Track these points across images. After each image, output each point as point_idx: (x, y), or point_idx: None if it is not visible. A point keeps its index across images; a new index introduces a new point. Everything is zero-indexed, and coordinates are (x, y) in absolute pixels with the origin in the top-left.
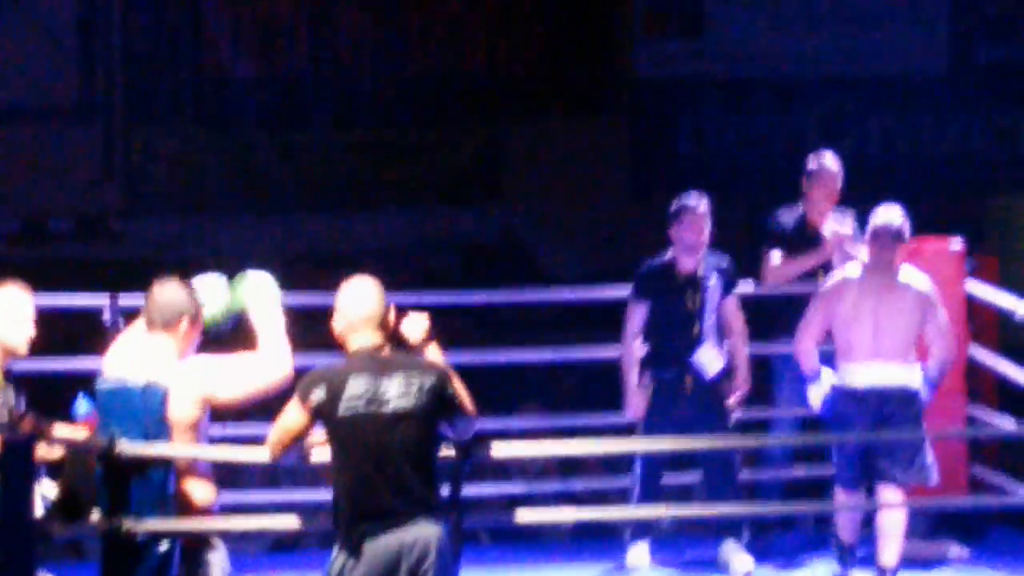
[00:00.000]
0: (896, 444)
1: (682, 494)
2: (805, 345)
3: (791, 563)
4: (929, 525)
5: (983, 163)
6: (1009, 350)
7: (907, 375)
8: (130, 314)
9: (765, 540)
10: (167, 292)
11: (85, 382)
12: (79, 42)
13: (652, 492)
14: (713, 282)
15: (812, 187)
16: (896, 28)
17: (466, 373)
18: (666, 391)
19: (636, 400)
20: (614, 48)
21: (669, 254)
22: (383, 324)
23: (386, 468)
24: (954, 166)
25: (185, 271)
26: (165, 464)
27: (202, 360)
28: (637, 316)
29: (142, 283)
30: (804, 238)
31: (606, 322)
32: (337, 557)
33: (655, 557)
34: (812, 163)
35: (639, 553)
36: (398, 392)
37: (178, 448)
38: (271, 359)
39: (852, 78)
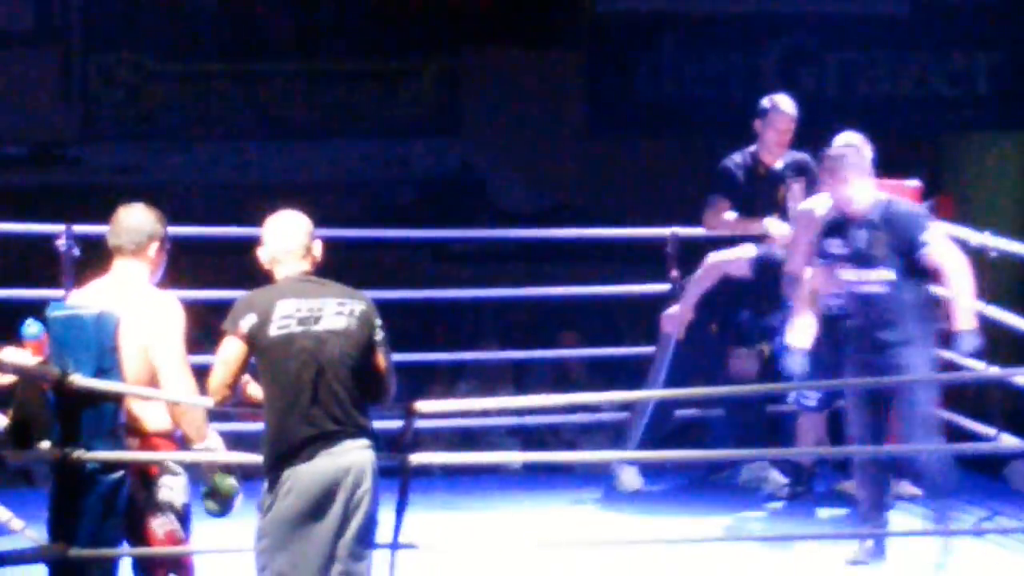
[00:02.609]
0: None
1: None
2: (794, 268)
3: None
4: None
5: (940, 103)
6: None
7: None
8: (85, 241)
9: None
10: (134, 216)
11: (39, 310)
12: None
13: (658, 425)
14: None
15: (766, 129)
16: None
17: (422, 307)
18: None
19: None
20: None
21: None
22: (310, 256)
23: (319, 386)
24: (911, 106)
25: (140, 198)
26: (116, 396)
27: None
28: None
29: (98, 210)
30: (756, 179)
31: (557, 256)
32: (269, 489)
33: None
34: (766, 104)
35: (631, 476)
36: (332, 311)
37: (129, 386)
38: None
39: (812, 16)
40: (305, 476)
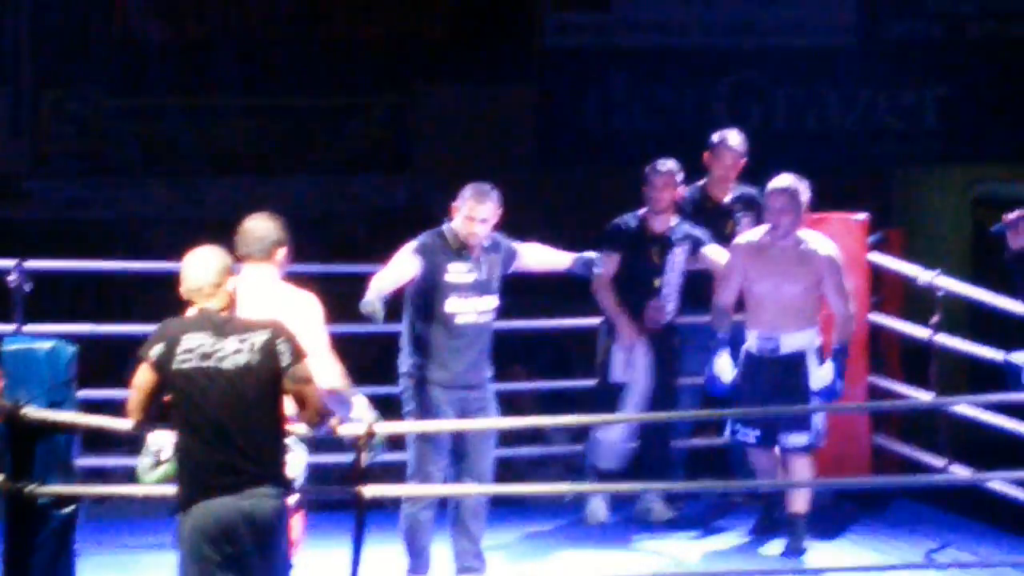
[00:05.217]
0: (784, 401)
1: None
2: (723, 300)
3: (704, 529)
4: (831, 494)
5: (888, 137)
6: (913, 322)
7: (802, 340)
8: (36, 276)
9: (674, 509)
10: (260, 226)
11: None
12: None
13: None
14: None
15: (714, 163)
16: (805, 1)
17: (375, 341)
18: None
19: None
20: (523, 18)
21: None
22: (223, 293)
23: (221, 426)
24: (861, 140)
25: (92, 234)
26: (69, 429)
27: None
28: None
29: (48, 245)
30: (704, 213)
31: (508, 289)
32: (180, 521)
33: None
34: (715, 139)
35: (597, 506)
36: (233, 348)
37: (79, 416)
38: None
39: (760, 50)
40: (206, 513)
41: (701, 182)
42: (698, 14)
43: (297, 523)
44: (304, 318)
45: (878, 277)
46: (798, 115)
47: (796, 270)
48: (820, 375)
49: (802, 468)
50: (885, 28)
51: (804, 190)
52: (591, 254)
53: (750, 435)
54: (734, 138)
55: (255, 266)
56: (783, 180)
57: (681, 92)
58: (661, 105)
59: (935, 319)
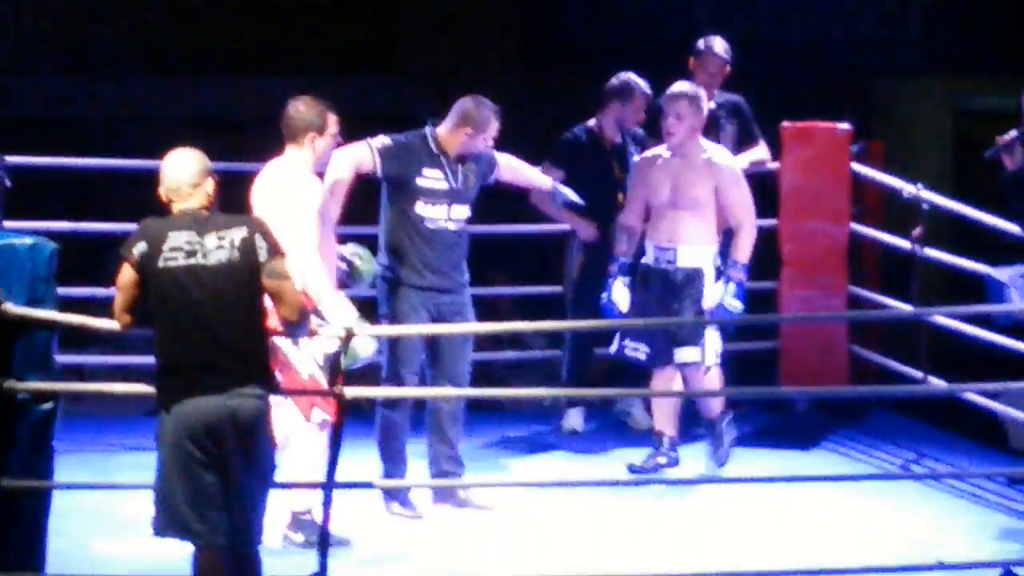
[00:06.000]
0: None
1: None
2: (626, 220)
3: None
4: (808, 403)
5: (872, 46)
6: (894, 233)
7: (700, 255)
8: (16, 171)
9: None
10: (294, 107)
11: None
12: None
13: (581, 362)
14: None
15: (698, 68)
16: None
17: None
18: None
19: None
20: None
21: (593, 122)
22: (202, 193)
23: (205, 322)
24: (844, 49)
25: (73, 130)
26: (49, 325)
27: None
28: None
29: (30, 141)
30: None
31: (489, 194)
32: (162, 421)
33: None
34: (701, 45)
35: (574, 417)
36: (215, 245)
37: (60, 315)
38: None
39: None
40: (190, 412)
41: None
42: None
43: (282, 421)
44: (296, 212)
45: (859, 187)
46: (781, 23)
47: (694, 179)
48: (712, 293)
49: (700, 383)
50: None
51: (703, 98)
52: (565, 189)
53: (640, 351)
54: (719, 44)
55: (288, 150)
56: (679, 86)
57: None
58: (645, 10)
59: (918, 231)
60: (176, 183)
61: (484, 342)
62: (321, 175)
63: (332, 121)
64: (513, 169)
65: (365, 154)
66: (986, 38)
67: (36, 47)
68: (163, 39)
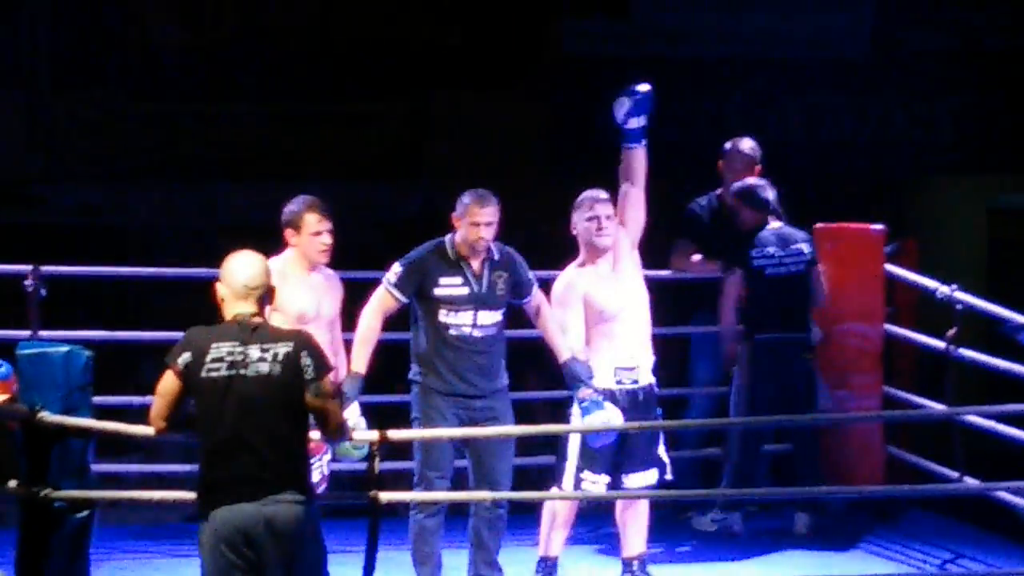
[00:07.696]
0: (635, 439)
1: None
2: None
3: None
4: (844, 504)
5: (903, 147)
6: (929, 334)
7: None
8: (51, 280)
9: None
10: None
11: (7, 349)
12: (4, 6)
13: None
14: None
15: (726, 170)
16: (820, 11)
17: (389, 347)
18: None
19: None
20: (540, 24)
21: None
22: (263, 299)
23: (245, 434)
24: (875, 151)
25: (105, 239)
26: (84, 433)
27: None
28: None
29: (63, 250)
30: (719, 221)
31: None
32: (201, 529)
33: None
34: (728, 146)
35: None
36: (257, 356)
37: (94, 421)
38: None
39: (775, 60)
40: (225, 519)
41: (717, 191)
42: (714, 24)
43: None
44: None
45: (893, 288)
46: (812, 126)
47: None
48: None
49: (642, 512)
50: (900, 39)
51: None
52: (585, 392)
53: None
54: (746, 143)
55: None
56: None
57: (696, 102)
58: (675, 115)
59: (952, 332)
60: (234, 283)
61: (525, 447)
62: (315, 267)
63: (310, 221)
64: (543, 317)
65: (386, 297)
66: (1016, 138)
67: (68, 156)
68: (195, 146)
